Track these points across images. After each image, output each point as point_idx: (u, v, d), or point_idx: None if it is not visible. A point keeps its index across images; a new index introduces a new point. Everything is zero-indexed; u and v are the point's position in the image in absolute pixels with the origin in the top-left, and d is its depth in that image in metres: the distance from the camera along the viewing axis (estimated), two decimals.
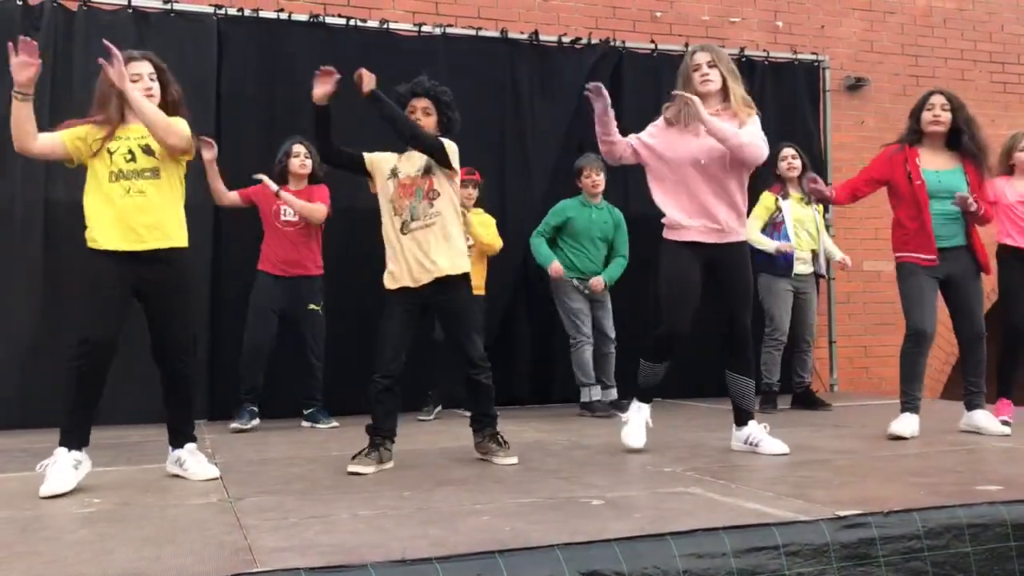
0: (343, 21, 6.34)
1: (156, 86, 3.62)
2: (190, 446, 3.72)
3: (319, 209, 5.47)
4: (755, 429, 4.14)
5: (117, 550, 2.51)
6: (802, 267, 6.00)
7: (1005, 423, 4.71)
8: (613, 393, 5.95)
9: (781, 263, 5.89)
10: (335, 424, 5.49)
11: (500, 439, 4.01)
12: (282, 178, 5.54)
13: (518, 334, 6.62)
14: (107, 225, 3.49)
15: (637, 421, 4.21)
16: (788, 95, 7.39)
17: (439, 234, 3.91)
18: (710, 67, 4.04)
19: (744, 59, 7.29)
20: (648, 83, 6.93)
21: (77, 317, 3.56)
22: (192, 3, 6.09)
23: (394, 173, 4.01)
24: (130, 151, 3.56)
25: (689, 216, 4.03)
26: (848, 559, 2.66)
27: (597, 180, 5.95)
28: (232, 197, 5.52)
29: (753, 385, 4.18)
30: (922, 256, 4.57)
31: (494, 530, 2.66)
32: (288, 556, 2.39)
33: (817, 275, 6.20)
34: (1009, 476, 3.44)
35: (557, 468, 3.83)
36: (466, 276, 4.00)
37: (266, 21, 6.19)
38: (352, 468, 3.72)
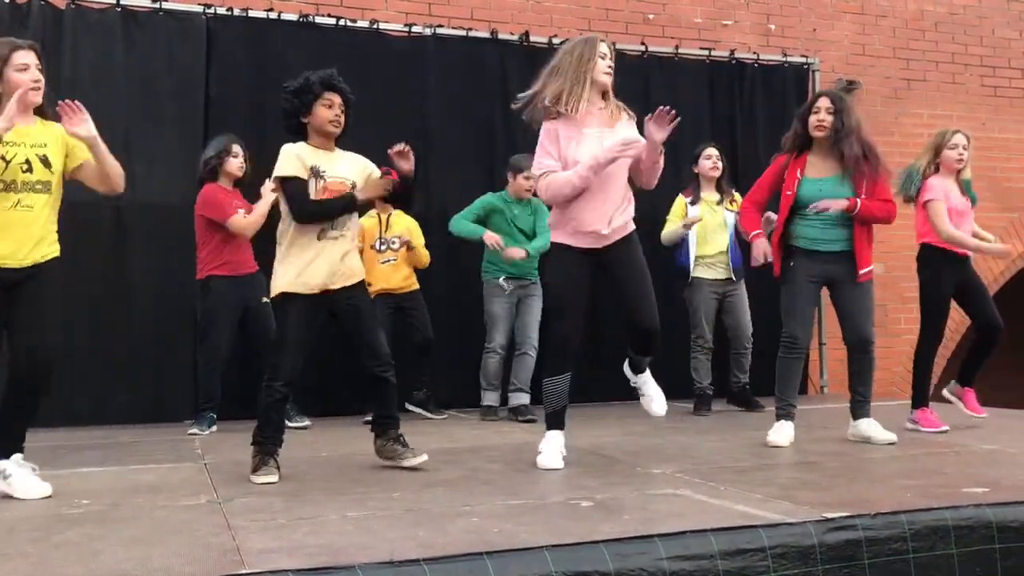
0: (333, 21, 6.33)
1: (43, 79, 3.34)
2: (16, 457, 3.37)
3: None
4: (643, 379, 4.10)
5: (105, 551, 2.51)
6: (716, 271, 6.02)
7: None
8: (525, 398, 5.78)
9: (683, 269, 5.97)
10: (307, 424, 5.42)
11: (404, 440, 3.86)
12: (213, 176, 5.35)
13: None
14: None
15: (552, 450, 3.91)
16: (778, 98, 7.41)
17: (350, 245, 3.83)
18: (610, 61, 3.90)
19: (734, 61, 7.31)
20: (639, 85, 6.94)
21: None
22: (181, 2, 6.06)
23: (317, 173, 3.76)
24: (27, 161, 3.30)
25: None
26: (834, 561, 2.68)
27: (524, 184, 5.66)
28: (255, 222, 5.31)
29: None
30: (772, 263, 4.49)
31: (483, 531, 2.66)
32: (276, 557, 2.39)
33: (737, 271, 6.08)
34: (995, 478, 3.46)
35: (546, 470, 3.83)
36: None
37: (256, 20, 6.17)
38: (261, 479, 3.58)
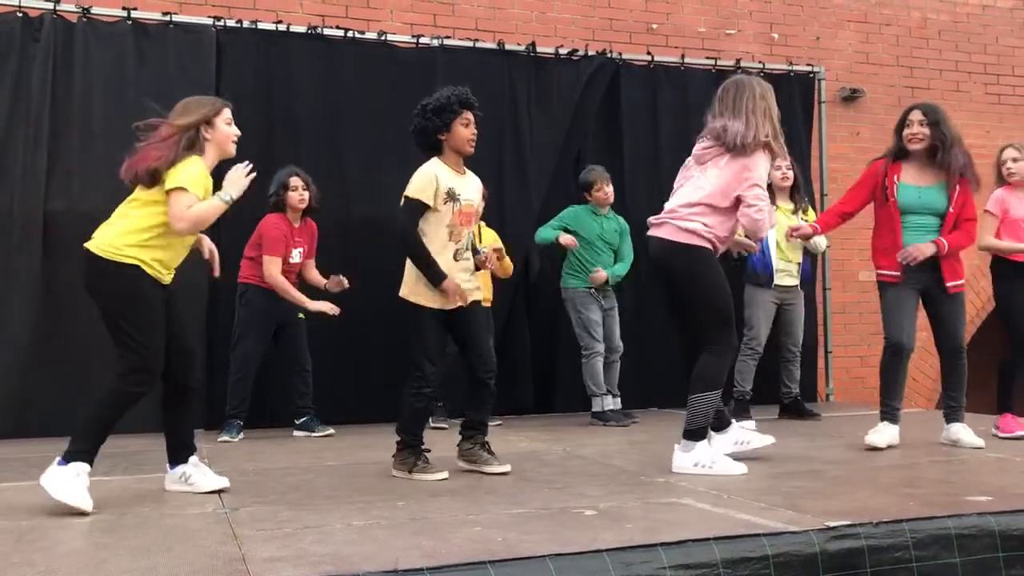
0: (341, 33, 6.38)
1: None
2: (193, 459, 3.66)
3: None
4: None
5: (111, 560, 2.54)
6: (787, 279, 6.04)
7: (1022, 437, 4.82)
8: (618, 402, 6.02)
9: (762, 274, 5.95)
10: (331, 432, 5.50)
11: (490, 448, 4.02)
12: (277, 209, 5.50)
13: (518, 343, 6.63)
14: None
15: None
16: (783, 106, 7.39)
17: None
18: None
19: (740, 71, 7.33)
20: (645, 95, 6.98)
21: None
22: (191, 15, 6.14)
23: (453, 196, 3.89)
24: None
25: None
26: (837, 569, 2.68)
27: (608, 191, 6.05)
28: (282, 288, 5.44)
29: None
30: (889, 273, 4.58)
31: (486, 540, 2.68)
32: (282, 566, 2.42)
33: (805, 283, 6.18)
34: (1000, 487, 3.46)
35: (551, 478, 3.85)
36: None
37: (265, 33, 6.22)
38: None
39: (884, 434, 4.55)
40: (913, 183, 4.59)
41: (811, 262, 6.25)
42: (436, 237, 3.87)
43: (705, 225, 3.91)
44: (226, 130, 3.59)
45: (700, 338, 3.94)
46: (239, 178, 3.54)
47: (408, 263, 3.91)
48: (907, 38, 8.24)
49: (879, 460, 4.25)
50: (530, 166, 6.69)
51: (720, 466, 3.85)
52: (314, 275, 5.65)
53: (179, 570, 2.42)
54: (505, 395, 6.03)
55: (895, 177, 4.60)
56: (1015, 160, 5.07)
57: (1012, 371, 5.06)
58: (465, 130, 3.91)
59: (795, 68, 7.53)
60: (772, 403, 6.28)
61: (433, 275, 3.83)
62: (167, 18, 6.01)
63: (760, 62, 7.46)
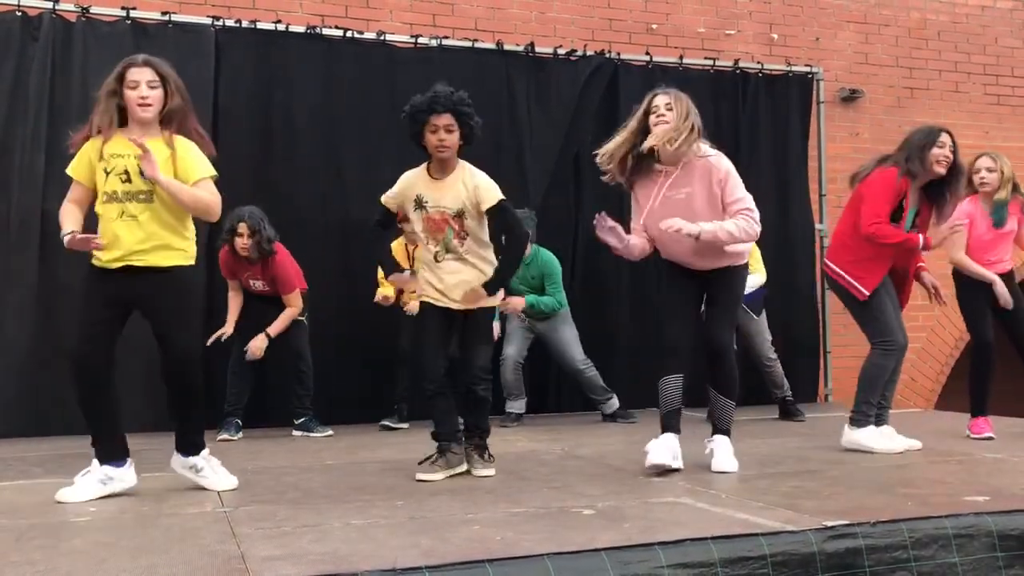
0: (340, 33, 6.38)
1: (155, 94, 3.45)
2: (204, 453, 3.67)
3: (294, 310, 5.54)
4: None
5: (110, 559, 2.54)
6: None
7: (989, 438, 4.81)
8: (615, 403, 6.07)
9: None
10: (330, 432, 5.51)
11: (483, 452, 3.99)
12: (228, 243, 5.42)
13: None
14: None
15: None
16: (782, 107, 7.44)
17: (467, 270, 3.96)
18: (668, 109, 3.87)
19: (738, 71, 7.35)
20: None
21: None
22: (190, 15, 6.13)
23: (420, 203, 3.94)
24: (126, 171, 3.42)
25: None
26: (835, 569, 2.69)
27: None
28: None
29: (731, 405, 4.09)
30: (860, 290, 4.52)
31: (485, 539, 2.68)
32: (280, 565, 2.42)
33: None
34: (997, 487, 3.47)
35: (549, 478, 3.86)
36: None
37: (264, 32, 6.22)
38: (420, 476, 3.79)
39: (898, 439, 4.54)
40: (913, 206, 4.54)
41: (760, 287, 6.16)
42: (421, 240, 4.01)
43: None
44: (129, 95, 3.42)
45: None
46: (80, 243, 3.38)
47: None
48: (906, 39, 8.25)
49: (876, 460, 4.25)
50: (528, 167, 6.70)
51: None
52: (289, 312, 5.53)
53: (178, 569, 2.42)
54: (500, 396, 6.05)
55: (905, 201, 4.49)
56: (990, 170, 4.98)
57: (979, 375, 5.03)
58: (432, 136, 3.84)
59: (794, 68, 7.53)
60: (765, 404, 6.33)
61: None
62: (166, 18, 6.00)
63: (759, 62, 7.47)
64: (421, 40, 6.55)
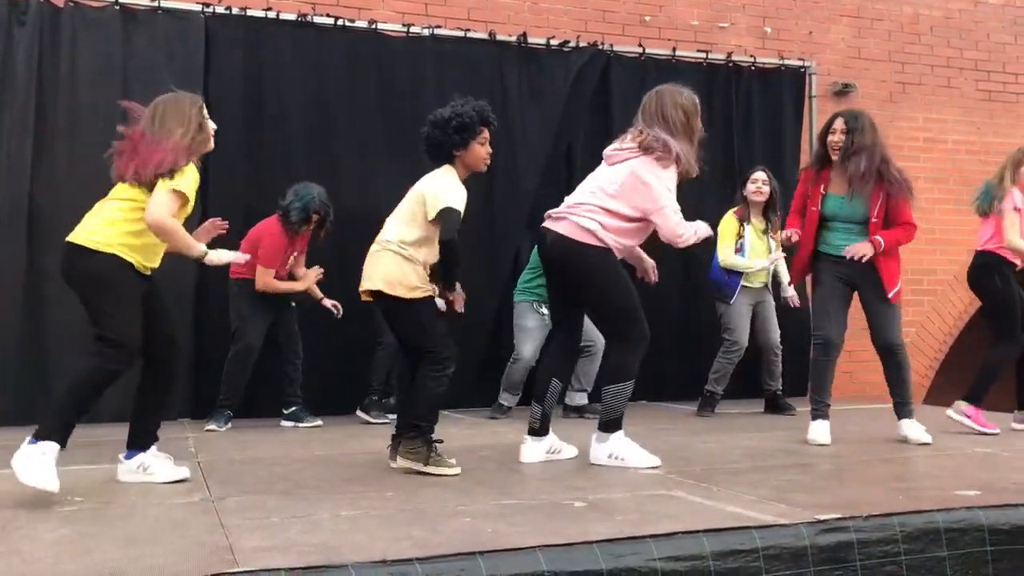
0: (331, 21, 6.33)
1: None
2: (153, 449, 3.64)
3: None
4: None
5: (97, 549, 2.51)
6: (757, 281, 6.09)
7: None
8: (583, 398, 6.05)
9: (725, 288, 6.02)
10: (319, 423, 5.48)
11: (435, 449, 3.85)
12: (285, 220, 5.40)
13: (507, 337, 6.60)
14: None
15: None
16: (775, 101, 7.43)
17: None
18: None
19: (731, 64, 7.33)
20: (636, 87, 6.91)
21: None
22: (180, 1, 6.06)
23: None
24: None
25: None
26: (826, 563, 2.68)
27: None
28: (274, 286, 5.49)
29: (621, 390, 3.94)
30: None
31: (476, 531, 2.67)
32: (269, 556, 2.40)
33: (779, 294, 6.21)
34: (988, 481, 3.47)
35: (541, 470, 3.84)
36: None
37: (254, 19, 6.16)
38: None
39: (822, 431, 4.53)
40: (839, 192, 4.57)
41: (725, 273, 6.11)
42: (434, 244, 3.84)
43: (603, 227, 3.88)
44: (210, 130, 3.62)
45: (608, 333, 4.08)
46: (222, 260, 3.61)
47: (395, 266, 3.81)
48: (899, 33, 8.24)
49: (867, 454, 4.26)
50: (520, 158, 6.67)
51: (633, 458, 3.85)
52: (300, 271, 5.65)
53: (165, 559, 2.40)
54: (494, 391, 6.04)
55: (822, 187, 4.59)
56: None
57: (996, 365, 5.03)
58: (482, 149, 3.88)
59: (787, 62, 7.53)
60: (757, 397, 6.33)
61: (457, 278, 3.92)
62: (155, 3, 5.94)
63: (752, 56, 7.46)
64: (413, 29, 6.50)
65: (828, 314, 4.54)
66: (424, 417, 3.73)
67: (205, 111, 3.62)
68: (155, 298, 3.58)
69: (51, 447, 3.20)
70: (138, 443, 3.60)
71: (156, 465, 3.58)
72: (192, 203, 3.50)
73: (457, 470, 3.69)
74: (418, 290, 3.81)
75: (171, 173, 3.37)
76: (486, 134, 3.89)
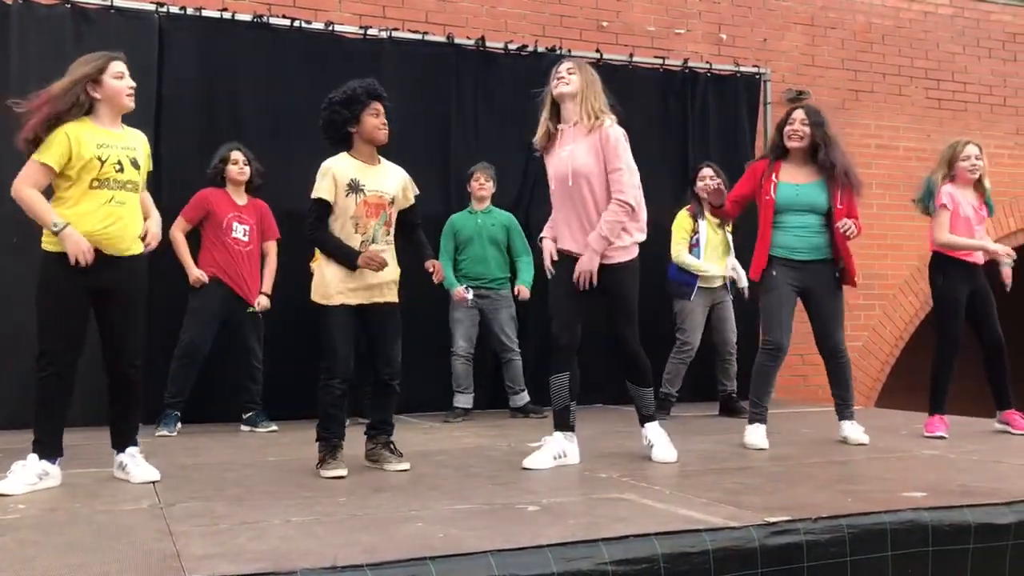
0: (287, 23, 6.28)
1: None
2: (131, 450, 3.69)
3: (274, 262, 5.65)
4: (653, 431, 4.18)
5: (39, 557, 2.46)
6: (715, 281, 6.14)
7: (941, 437, 4.87)
8: (525, 397, 6.13)
9: (684, 286, 6.09)
10: (274, 428, 5.43)
11: (393, 447, 3.98)
12: (215, 183, 5.49)
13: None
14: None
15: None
16: (730, 107, 7.51)
17: (392, 258, 3.97)
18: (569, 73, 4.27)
19: (687, 71, 7.40)
20: None
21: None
22: (133, 1, 5.98)
23: (356, 187, 3.87)
24: (119, 162, 3.52)
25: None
26: (775, 564, 2.71)
27: (483, 183, 6.11)
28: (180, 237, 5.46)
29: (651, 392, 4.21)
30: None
31: (428, 536, 2.66)
32: (217, 563, 2.37)
33: (737, 289, 6.26)
34: (934, 483, 3.53)
35: (495, 474, 3.84)
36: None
37: (209, 20, 6.10)
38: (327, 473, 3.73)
39: (759, 435, 4.59)
40: (791, 181, 4.64)
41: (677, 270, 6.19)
42: (341, 230, 3.87)
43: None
44: (116, 85, 3.54)
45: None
46: (76, 245, 3.39)
47: (314, 267, 3.88)
48: (852, 41, 8.38)
49: (818, 457, 4.31)
50: (477, 160, 6.65)
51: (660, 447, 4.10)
52: (272, 264, 5.61)
53: (110, 567, 2.35)
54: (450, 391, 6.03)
55: (774, 176, 4.66)
56: (978, 158, 5.10)
57: (943, 370, 5.08)
58: (375, 119, 3.90)
59: (742, 69, 7.61)
60: (712, 400, 6.38)
61: (346, 258, 3.84)
62: (108, 2, 5.85)
63: (708, 62, 7.53)
64: (370, 32, 6.48)
65: (780, 322, 4.59)
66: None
67: (115, 68, 3.53)
68: (106, 296, 3.51)
69: (31, 459, 3.44)
70: (115, 444, 3.69)
71: (132, 465, 3.62)
72: (77, 154, 3.40)
73: (342, 472, 3.71)
74: (322, 297, 3.89)
75: (35, 143, 3.38)
76: (377, 106, 3.91)
